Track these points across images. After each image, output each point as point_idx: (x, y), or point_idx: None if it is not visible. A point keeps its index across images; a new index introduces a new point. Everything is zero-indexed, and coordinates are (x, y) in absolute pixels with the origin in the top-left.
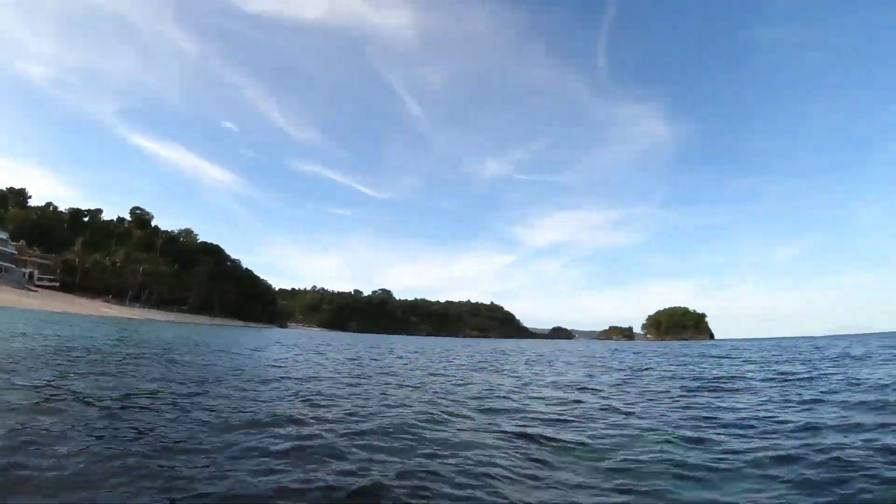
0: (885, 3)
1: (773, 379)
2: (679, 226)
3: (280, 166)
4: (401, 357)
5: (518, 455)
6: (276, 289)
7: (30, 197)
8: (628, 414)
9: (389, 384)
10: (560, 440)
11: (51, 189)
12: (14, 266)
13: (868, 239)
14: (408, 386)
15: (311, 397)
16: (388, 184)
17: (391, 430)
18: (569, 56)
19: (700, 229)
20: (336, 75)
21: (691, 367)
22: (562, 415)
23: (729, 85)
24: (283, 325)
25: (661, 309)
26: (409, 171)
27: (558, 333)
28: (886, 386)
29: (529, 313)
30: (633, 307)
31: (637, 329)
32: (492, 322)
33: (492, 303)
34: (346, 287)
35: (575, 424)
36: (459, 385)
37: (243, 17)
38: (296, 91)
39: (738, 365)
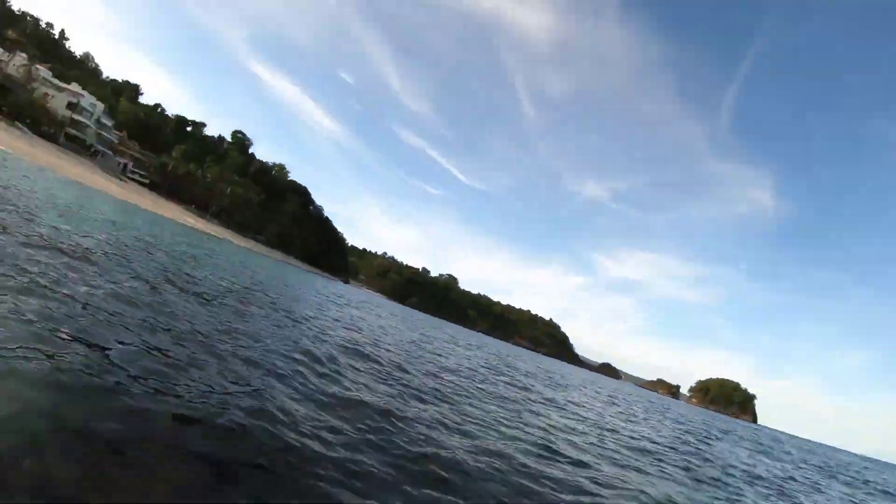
0: None
1: None
2: (754, 300)
3: (385, 129)
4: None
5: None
6: (349, 245)
7: (142, 93)
8: None
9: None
10: None
11: (163, 91)
12: (111, 153)
13: None
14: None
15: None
16: (483, 175)
17: None
18: (694, 97)
19: (773, 310)
20: (460, 57)
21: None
22: None
23: (846, 175)
24: (346, 281)
25: (713, 378)
26: (507, 168)
27: (607, 370)
28: None
29: (583, 341)
30: (684, 365)
31: (684, 390)
32: (546, 339)
33: (550, 319)
34: (415, 262)
35: None
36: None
37: None
38: (418, 62)
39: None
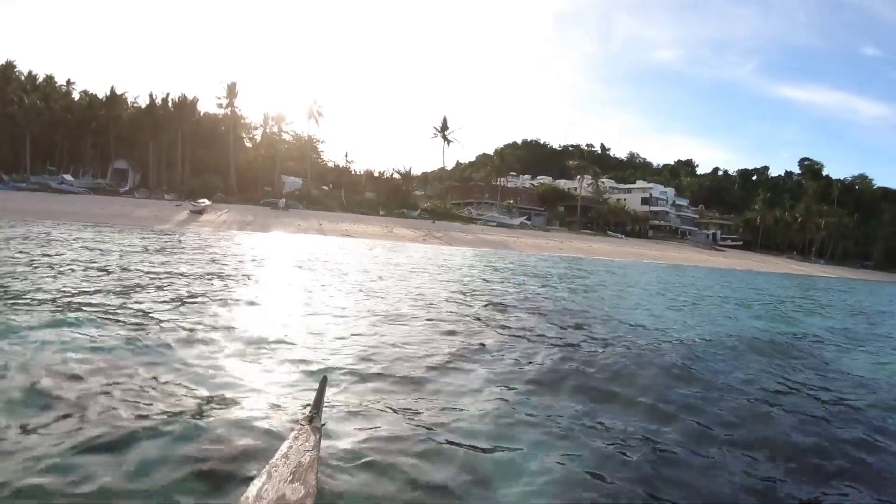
0: None
1: None
2: None
3: None
4: None
5: None
6: None
7: (697, 166)
8: None
9: None
10: None
11: (712, 156)
12: (697, 229)
13: None
14: None
15: None
16: None
17: None
18: None
19: None
20: None
21: None
22: None
23: None
24: None
25: None
26: None
27: None
28: None
29: None
30: None
31: None
32: None
33: None
34: None
35: None
36: None
37: None
38: None
39: None
